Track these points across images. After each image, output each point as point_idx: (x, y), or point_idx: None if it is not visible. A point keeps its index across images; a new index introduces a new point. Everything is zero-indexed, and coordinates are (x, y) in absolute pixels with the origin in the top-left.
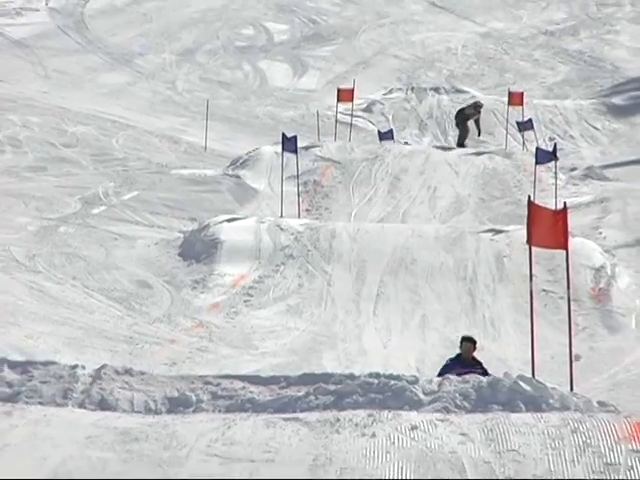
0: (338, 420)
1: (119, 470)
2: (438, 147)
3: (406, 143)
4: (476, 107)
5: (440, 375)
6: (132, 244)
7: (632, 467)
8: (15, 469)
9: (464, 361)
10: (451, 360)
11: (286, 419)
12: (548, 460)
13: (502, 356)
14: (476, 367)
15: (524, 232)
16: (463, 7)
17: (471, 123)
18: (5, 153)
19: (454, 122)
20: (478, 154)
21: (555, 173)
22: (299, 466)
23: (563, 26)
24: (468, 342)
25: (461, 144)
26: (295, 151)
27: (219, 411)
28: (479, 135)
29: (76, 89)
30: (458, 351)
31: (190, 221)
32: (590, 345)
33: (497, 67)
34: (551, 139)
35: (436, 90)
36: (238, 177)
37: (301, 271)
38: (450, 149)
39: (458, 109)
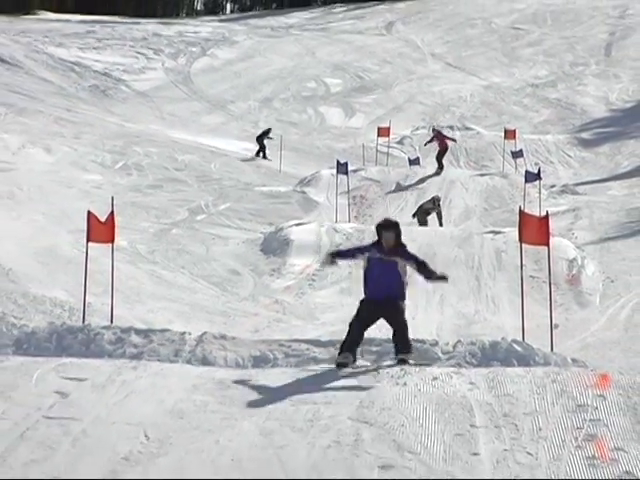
0: (379, 373)
1: (216, 409)
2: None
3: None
4: (434, 201)
5: (352, 251)
6: (226, 242)
7: (597, 407)
8: (140, 410)
9: (383, 249)
10: (372, 245)
11: (341, 372)
12: (534, 402)
13: (500, 325)
14: (397, 252)
15: (517, 233)
16: (470, 66)
17: (432, 217)
18: (132, 175)
19: (415, 217)
20: (482, 175)
21: (539, 189)
22: (349, 406)
23: (545, 80)
24: (389, 230)
25: None
26: (346, 173)
27: (290, 366)
28: (441, 226)
29: (184, 127)
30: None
31: (268, 225)
32: (566, 317)
33: (496, 110)
34: (536, 164)
35: (451, 128)
36: (304, 192)
37: (351, 262)
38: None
39: (418, 205)
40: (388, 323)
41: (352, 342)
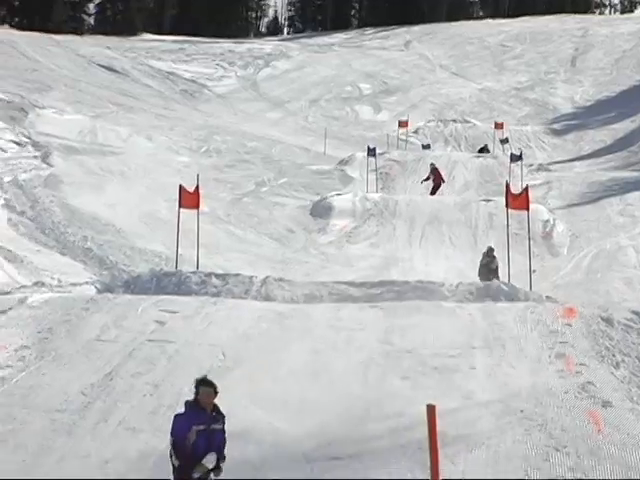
0: (401, 306)
1: (277, 334)
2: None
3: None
4: (488, 253)
5: (172, 431)
6: (284, 208)
7: (564, 332)
8: (219, 334)
9: (203, 411)
10: (187, 406)
11: (370, 306)
12: (517, 328)
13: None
14: (217, 421)
15: (504, 200)
16: (469, 74)
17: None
18: (213, 157)
19: (479, 274)
20: (477, 157)
21: (521, 167)
22: (378, 332)
23: (525, 85)
24: (207, 387)
25: None
26: (374, 155)
27: (332, 301)
28: (498, 279)
29: (252, 121)
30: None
31: (316, 195)
32: (541, 264)
33: (488, 107)
34: (519, 148)
35: (454, 121)
36: (343, 170)
37: (378, 223)
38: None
39: (479, 266)
40: None
41: None
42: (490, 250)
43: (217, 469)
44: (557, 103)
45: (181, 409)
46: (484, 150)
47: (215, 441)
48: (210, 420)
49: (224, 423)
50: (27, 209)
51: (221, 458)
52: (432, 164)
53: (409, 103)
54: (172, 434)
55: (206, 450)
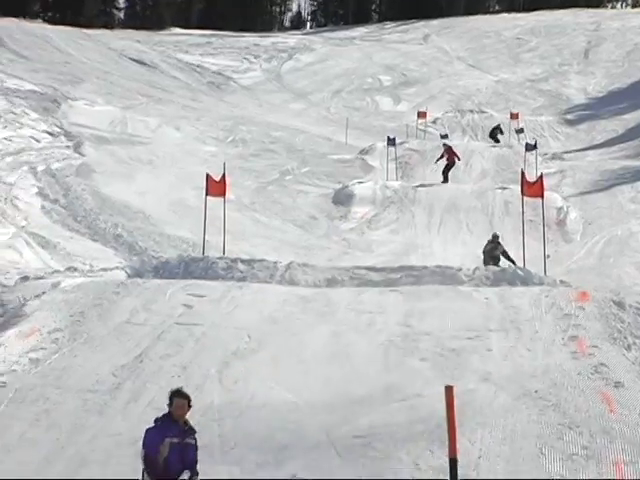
0: (419, 290)
1: (300, 317)
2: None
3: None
4: (494, 240)
5: (144, 444)
6: (307, 196)
7: (578, 315)
8: (244, 317)
9: (176, 424)
10: (159, 421)
11: (390, 290)
12: (532, 311)
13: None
14: (190, 435)
15: (519, 188)
16: (485, 66)
17: (503, 261)
18: (238, 147)
19: (483, 262)
20: (494, 146)
21: (536, 156)
22: (398, 315)
23: (540, 76)
24: (181, 398)
25: None
26: (394, 145)
27: (353, 286)
28: (515, 264)
29: (276, 112)
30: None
31: (338, 183)
32: (555, 249)
33: (504, 98)
34: (533, 138)
35: (471, 111)
36: (364, 159)
37: (398, 210)
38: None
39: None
40: None
41: None
42: (495, 237)
43: None
44: (570, 94)
45: (210, 386)
46: (497, 129)
47: (188, 457)
48: (183, 433)
49: (196, 439)
50: (60, 197)
51: (194, 475)
52: (445, 144)
53: (428, 94)
54: (144, 447)
55: (179, 466)
